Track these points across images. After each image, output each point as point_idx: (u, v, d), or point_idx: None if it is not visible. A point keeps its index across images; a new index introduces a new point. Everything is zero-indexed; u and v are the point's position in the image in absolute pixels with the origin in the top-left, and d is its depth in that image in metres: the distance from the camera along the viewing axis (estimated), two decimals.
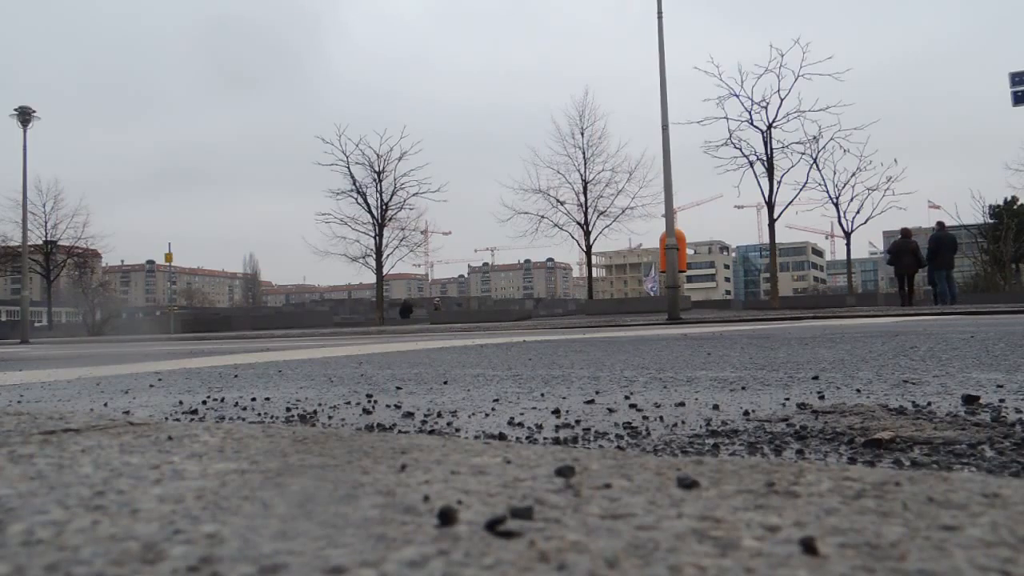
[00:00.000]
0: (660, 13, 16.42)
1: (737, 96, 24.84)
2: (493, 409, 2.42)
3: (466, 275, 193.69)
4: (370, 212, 30.65)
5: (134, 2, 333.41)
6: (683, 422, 2.02)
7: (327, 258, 46.69)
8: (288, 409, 2.61)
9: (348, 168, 30.21)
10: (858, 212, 29.02)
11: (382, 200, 30.58)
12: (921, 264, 17.89)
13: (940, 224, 18.46)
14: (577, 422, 2.08)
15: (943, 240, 17.64)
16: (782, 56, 24.08)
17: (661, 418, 2.09)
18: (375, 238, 30.74)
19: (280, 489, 0.93)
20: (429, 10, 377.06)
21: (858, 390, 2.54)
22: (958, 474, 1.07)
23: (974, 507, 0.79)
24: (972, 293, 30.04)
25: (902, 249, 18.01)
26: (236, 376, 4.16)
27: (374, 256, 30.73)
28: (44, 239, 37.75)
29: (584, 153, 30.68)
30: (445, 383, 3.31)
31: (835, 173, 28.59)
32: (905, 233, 18.33)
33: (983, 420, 1.85)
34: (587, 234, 30.68)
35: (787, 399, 2.38)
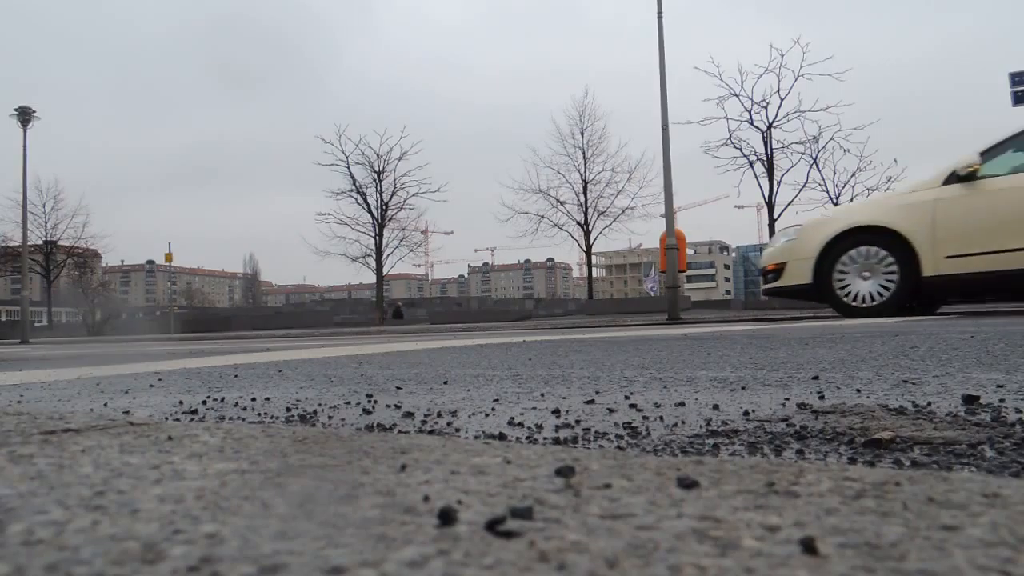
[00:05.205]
0: (660, 13, 16.43)
1: (737, 96, 24.93)
2: (493, 409, 2.42)
3: (466, 275, 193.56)
4: (370, 212, 30.71)
5: (143, 3, 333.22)
6: (683, 422, 2.02)
7: (327, 258, 46.86)
8: (288, 409, 2.61)
9: (348, 168, 30.31)
10: None
11: (382, 200, 30.62)
12: None
13: None
14: (577, 422, 2.08)
15: None
16: (782, 56, 24.17)
17: (661, 418, 2.09)
18: (375, 238, 30.78)
19: (280, 489, 0.93)
20: (437, 12, 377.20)
21: (858, 390, 2.54)
22: (958, 474, 1.07)
23: (974, 507, 0.79)
24: None
25: None
26: (236, 376, 4.16)
27: (374, 256, 30.76)
28: (44, 239, 37.78)
29: (584, 153, 30.76)
30: (445, 383, 3.31)
31: (835, 173, 28.72)
32: None
33: (983, 420, 1.85)
34: (587, 234, 30.70)
35: (787, 399, 2.38)
